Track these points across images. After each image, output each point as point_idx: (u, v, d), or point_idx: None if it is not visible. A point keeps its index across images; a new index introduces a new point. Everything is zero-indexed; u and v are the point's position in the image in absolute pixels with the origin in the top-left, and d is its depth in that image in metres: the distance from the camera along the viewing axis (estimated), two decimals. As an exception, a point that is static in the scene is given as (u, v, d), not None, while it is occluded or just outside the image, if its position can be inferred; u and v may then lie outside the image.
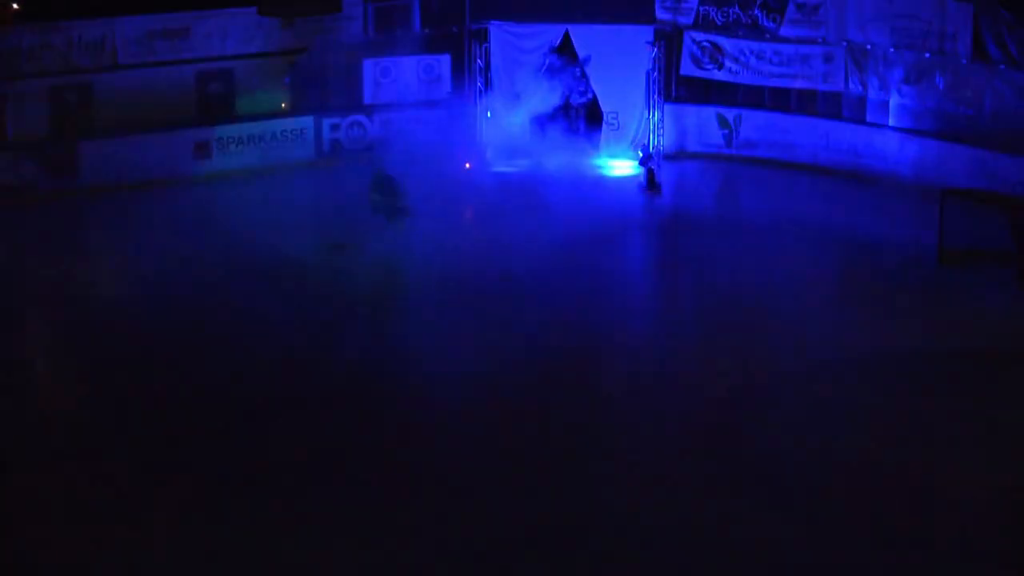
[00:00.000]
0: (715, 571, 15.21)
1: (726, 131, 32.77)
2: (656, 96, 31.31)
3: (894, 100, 30.60)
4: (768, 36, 32.03)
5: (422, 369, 20.54)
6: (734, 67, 32.44)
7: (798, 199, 29.74)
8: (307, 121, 32.16)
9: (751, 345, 21.47)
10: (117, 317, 22.52)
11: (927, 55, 29.95)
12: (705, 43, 32.65)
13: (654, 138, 31.11)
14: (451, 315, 22.85)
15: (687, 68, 32.91)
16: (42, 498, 16.55)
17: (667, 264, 26.93)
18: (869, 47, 30.84)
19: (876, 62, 30.72)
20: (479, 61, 32.38)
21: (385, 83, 32.68)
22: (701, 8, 32.59)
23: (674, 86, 32.86)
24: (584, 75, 32.53)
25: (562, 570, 15.20)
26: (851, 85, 31.23)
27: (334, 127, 32.36)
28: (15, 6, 29.84)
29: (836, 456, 17.72)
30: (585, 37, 32.39)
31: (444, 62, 33.09)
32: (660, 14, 32.82)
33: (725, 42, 32.47)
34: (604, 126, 32.77)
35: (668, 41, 32.29)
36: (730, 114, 32.68)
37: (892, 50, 30.48)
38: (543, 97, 32.34)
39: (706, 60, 32.71)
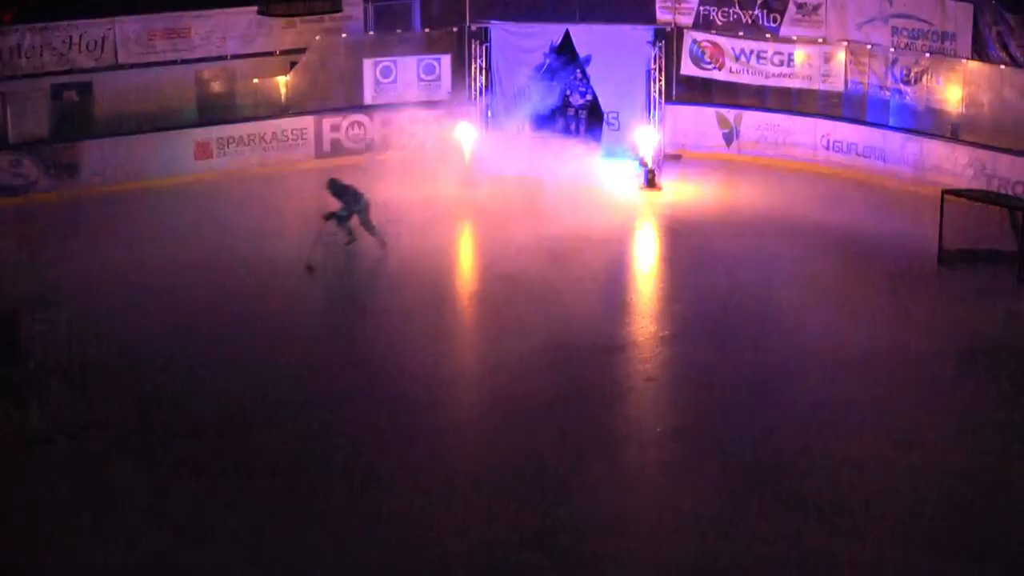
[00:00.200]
0: (716, 571, 15.21)
1: (726, 131, 32.77)
2: (657, 96, 31.29)
3: (894, 100, 30.61)
4: (768, 36, 32.02)
5: (423, 370, 20.56)
6: (734, 67, 32.43)
7: (798, 199, 29.72)
8: (307, 121, 32.17)
9: (751, 345, 21.45)
10: (104, 318, 22.47)
11: (927, 55, 29.95)
12: (705, 43, 32.64)
13: (654, 138, 31.09)
14: (452, 315, 22.87)
15: (687, 68, 32.91)
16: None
17: (667, 264, 26.91)
18: (869, 47, 30.84)
19: (876, 62, 30.72)
20: (479, 61, 32.37)
21: (385, 83, 32.68)
22: (701, 8, 32.58)
23: (674, 86, 32.85)
24: (584, 75, 32.52)
25: (563, 570, 15.21)
26: (851, 85, 31.23)
27: (334, 127, 32.36)
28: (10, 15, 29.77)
29: (836, 456, 17.71)
30: (585, 37, 32.38)
31: (444, 62, 33.09)
32: (660, 14, 32.81)
33: (725, 42, 32.46)
34: (604, 126, 32.76)
35: (668, 41, 32.29)
36: (730, 114, 32.69)
37: (892, 50, 30.48)
38: (543, 97, 32.36)
39: (706, 60, 32.71)
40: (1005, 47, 28.85)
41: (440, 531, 15.89)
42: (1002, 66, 28.94)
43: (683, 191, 30.33)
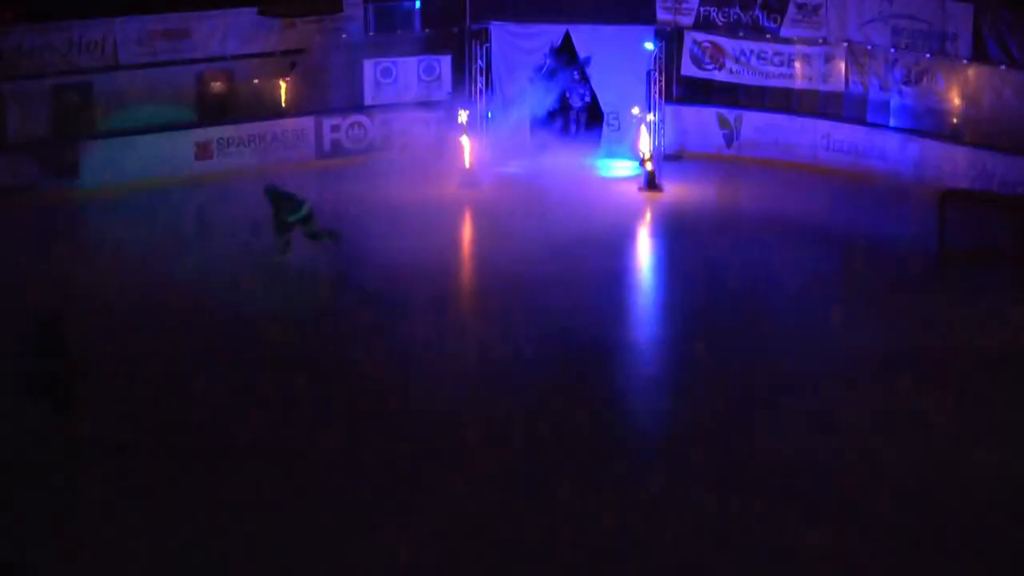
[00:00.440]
0: (717, 572, 15.21)
1: (727, 131, 32.76)
2: (657, 96, 31.30)
3: (895, 100, 30.59)
4: (769, 36, 32.02)
5: (425, 371, 20.55)
6: (735, 67, 32.43)
7: (798, 200, 29.72)
8: (307, 121, 32.16)
9: (752, 345, 21.46)
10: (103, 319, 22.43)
11: (927, 55, 29.93)
12: (706, 43, 32.63)
13: (654, 138, 31.10)
14: (453, 315, 22.86)
15: (688, 68, 32.90)
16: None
17: (667, 265, 26.92)
18: (870, 47, 30.83)
19: (877, 62, 30.71)
20: (479, 61, 32.36)
21: (385, 83, 32.67)
22: (702, 8, 32.56)
23: (675, 86, 32.83)
24: (584, 76, 32.51)
25: (563, 571, 15.20)
26: (852, 85, 31.22)
27: (334, 127, 32.35)
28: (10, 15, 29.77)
29: (837, 455, 17.71)
30: (586, 37, 32.38)
31: (444, 62, 33.07)
32: (661, 14, 32.79)
33: (726, 42, 32.45)
34: (604, 126, 32.75)
35: (669, 41, 32.28)
36: (731, 114, 32.67)
37: (893, 50, 30.47)
38: (543, 97, 32.36)
39: (707, 60, 32.70)
40: (1005, 47, 28.84)
41: (440, 533, 15.88)
42: (1002, 66, 28.93)
43: (683, 192, 30.32)
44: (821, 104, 31.80)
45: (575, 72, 32.49)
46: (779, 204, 29.43)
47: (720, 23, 32.54)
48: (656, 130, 31.05)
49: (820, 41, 31.45)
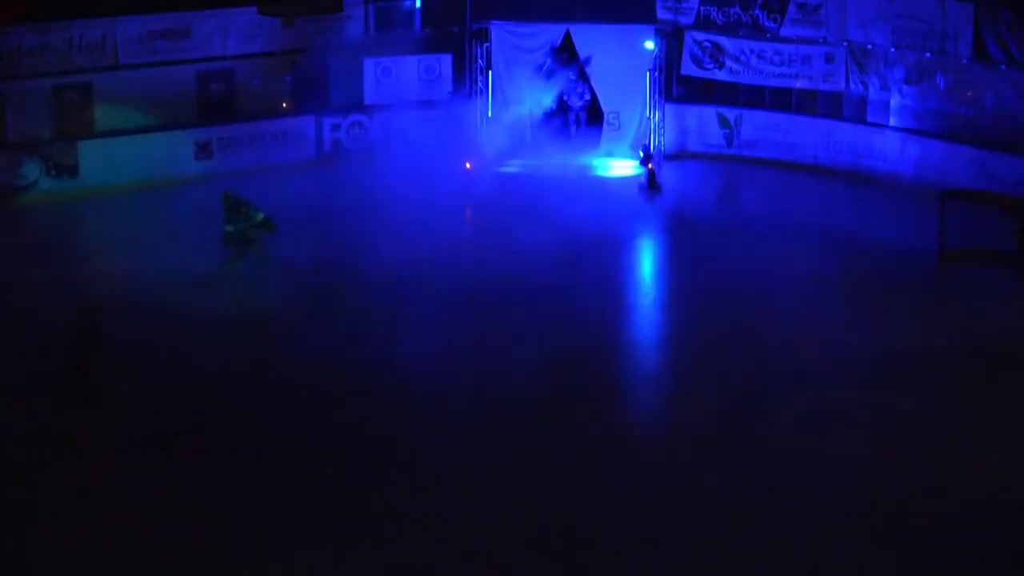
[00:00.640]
0: (717, 572, 15.21)
1: (727, 131, 32.73)
2: (657, 96, 31.28)
3: (895, 100, 30.58)
4: (769, 36, 32.00)
5: (424, 370, 20.55)
6: (735, 67, 32.41)
7: (799, 199, 29.72)
8: (308, 121, 32.14)
9: (752, 345, 21.47)
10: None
11: (928, 55, 29.92)
12: (706, 43, 32.62)
13: (655, 138, 31.08)
14: (454, 315, 22.86)
15: (688, 68, 32.88)
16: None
17: (668, 264, 26.92)
18: (870, 47, 30.81)
19: (877, 62, 30.69)
20: (480, 61, 32.36)
21: (386, 83, 32.64)
22: (702, 8, 32.55)
23: (675, 86, 32.82)
24: (585, 75, 32.50)
25: (564, 571, 15.21)
26: (852, 85, 31.20)
27: (335, 127, 32.33)
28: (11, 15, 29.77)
29: (837, 455, 17.73)
30: (586, 37, 32.36)
31: (445, 62, 33.06)
32: (661, 14, 32.77)
33: (726, 42, 32.43)
34: (605, 126, 32.73)
35: (669, 41, 32.26)
36: (731, 114, 32.65)
37: (893, 50, 30.45)
38: (544, 97, 32.35)
39: (707, 60, 32.68)
40: (1005, 47, 28.83)
41: (441, 534, 15.89)
42: (1002, 66, 28.91)
43: (683, 191, 30.31)
44: (821, 104, 31.78)
45: (575, 71, 32.48)
46: (779, 204, 29.43)
47: (720, 22, 32.52)
48: (656, 129, 31.04)
49: (820, 41, 31.43)
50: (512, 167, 31.45)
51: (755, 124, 32.38)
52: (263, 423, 18.67)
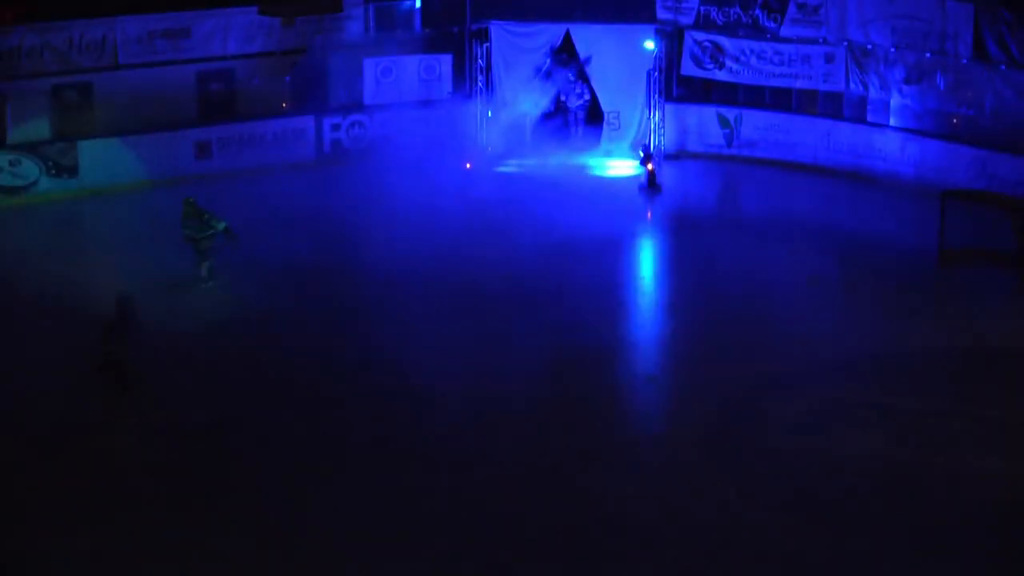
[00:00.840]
0: (717, 571, 15.21)
1: (727, 131, 32.71)
2: (657, 96, 31.29)
3: (895, 100, 30.56)
4: (769, 36, 31.99)
5: (425, 370, 20.55)
6: (735, 67, 32.40)
7: (799, 199, 29.71)
8: (308, 121, 32.12)
9: (752, 345, 21.48)
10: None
11: (928, 55, 29.91)
12: (706, 43, 32.61)
13: (655, 138, 31.08)
14: (453, 314, 22.86)
15: (688, 68, 32.86)
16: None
17: (667, 265, 26.92)
18: (870, 47, 30.80)
19: (877, 62, 30.68)
20: (480, 61, 32.36)
21: (386, 83, 32.63)
22: (702, 8, 32.53)
23: (675, 86, 32.80)
24: (585, 75, 32.50)
25: (564, 571, 15.21)
26: (852, 85, 31.19)
27: (335, 127, 32.33)
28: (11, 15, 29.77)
29: (837, 455, 17.73)
30: (586, 37, 32.36)
31: (445, 62, 33.04)
32: (661, 14, 32.76)
33: (726, 42, 32.42)
34: (605, 126, 32.73)
35: (669, 41, 32.26)
36: (731, 114, 32.62)
37: (893, 50, 30.44)
38: (544, 97, 32.34)
39: (707, 60, 32.67)
40: (1005, 47, 28.82)
41: (441, 534, 15.89)
42: (1002, 66, 28.91)
43: (683, 191, 30.31)
44: (821, 104, 31.77)
45: (575, 71, 32.47)
46: (779, 204, 29.43)
47: (720, 22, 32.50)
48: (656, 130, 31.05)
49: (820, 41, 31.42)
50: (512, 167, 31.45)
51: (755, 124, 32.36)
52: (256, 422, 18.67)
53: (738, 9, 32.28)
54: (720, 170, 31.83)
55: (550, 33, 32.52)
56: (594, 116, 32.76)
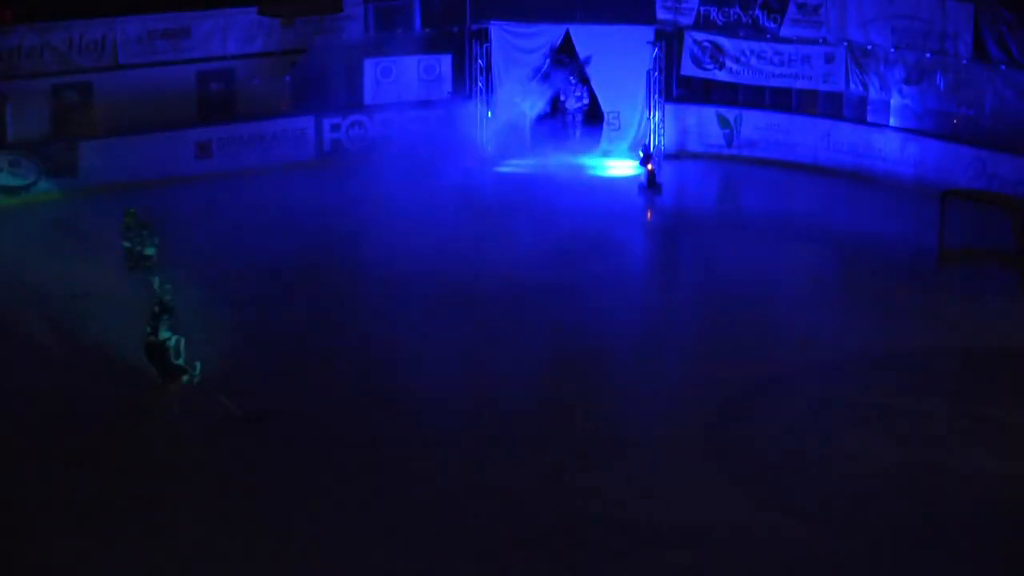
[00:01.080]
0: (717, 571, 15.21)
1: (727, 131, 32.72)
2: (657, 96, 31.29)
3: (895, 100, 30.57)
4: (769, 36, 32.00)
5: (426, 370, 20.55)
6: (735, 67, 32.40)
7: (799, 199, 29.74)
8: (307, 121, 32.12)
9: (752, 345, 21.48)
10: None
11: (928, 55, 29.92)
12: (706, 43, 32.61)
13: (654, 138, 31.09)
14: (453, 314, 22.86)
15: (688, 68, 32.87)
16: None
17: (667, 265, 26.93)
18: (870, 47, 30.81)
19: (877, 62, 30.68)
20: (480, 61, 32.36)
21: (385, 83, 32.63)
22: (702, 8, 32.54)
23: (675, 86, 32.81)
24: (585, 75, 32.50)
25: (564, 571, 15.21)
26: (852, 85, 31.20)
27: (335, 127, 32.32)
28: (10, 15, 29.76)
29: (837, 455, 17.73)
30: (586, 37, 32.37)
31: (445, 62, 33.04)
32: (661, 14, 32.77)
33: (726, 42, 32.43)
34: (605, 126, 32.73)
35: (669, 41, 32.26)
36: (731, 114, 32.63)
37: (893, 50, 30.45)
38: (544, 97, 32.34)
39: (707, 60, 32.67)
40: (1005, 47, 28.83)
41: (442, 533, 15.90)
42: (1002, 66, 28.91)
43: (683, 191, 30.32)
44: (821, 104, 31.78)
45: (575, 72, 32.48)
46: (779, 204, 29.44)
47: (720, 23, 32.51)
48: (656, 130, 31.06)
49: (820, 41, 31.43)
50: (512, 167, 31.46)
51: (755, 124, 32.37)
52: (256, 422, 18.66)
53: (738, 9, 32.29)
54: (720, 170, 31.85)
55: (550, 33, 32.53)
56: (594, 116, 32.76)
